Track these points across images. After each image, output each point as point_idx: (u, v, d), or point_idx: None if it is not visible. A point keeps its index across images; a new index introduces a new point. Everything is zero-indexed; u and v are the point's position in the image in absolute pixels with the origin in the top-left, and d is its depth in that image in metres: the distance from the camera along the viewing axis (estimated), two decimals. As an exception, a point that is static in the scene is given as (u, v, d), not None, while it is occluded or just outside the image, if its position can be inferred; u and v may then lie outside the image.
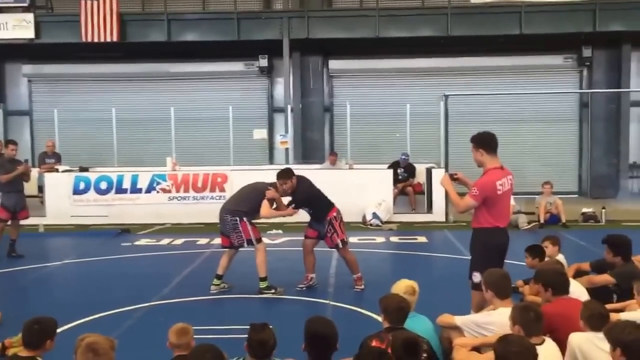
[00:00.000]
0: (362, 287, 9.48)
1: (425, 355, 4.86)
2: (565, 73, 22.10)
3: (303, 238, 9.71)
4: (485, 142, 6.76)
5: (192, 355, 3.84)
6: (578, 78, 22.11)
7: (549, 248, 8.11)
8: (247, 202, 9.41)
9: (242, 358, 4.84)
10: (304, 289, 9.53)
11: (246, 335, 4.67)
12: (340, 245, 9.47)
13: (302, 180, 9.52)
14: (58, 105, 20.81)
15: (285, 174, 9.46)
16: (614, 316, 5.48)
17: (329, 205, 9.52)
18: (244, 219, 9.28)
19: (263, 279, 9.36)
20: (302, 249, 9.69)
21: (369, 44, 20.92)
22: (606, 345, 4.77)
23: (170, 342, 4.94)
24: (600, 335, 4.90)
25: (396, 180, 17.11)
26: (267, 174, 16.61)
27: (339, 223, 9.46)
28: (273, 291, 9.30)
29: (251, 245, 9.39)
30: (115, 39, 20.13)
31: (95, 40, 20.11)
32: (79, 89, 22.61)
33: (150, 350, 6.62)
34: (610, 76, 21.34)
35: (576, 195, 21.29)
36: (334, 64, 22.05)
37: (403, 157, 17.70)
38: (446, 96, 16.93)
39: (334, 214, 9.43)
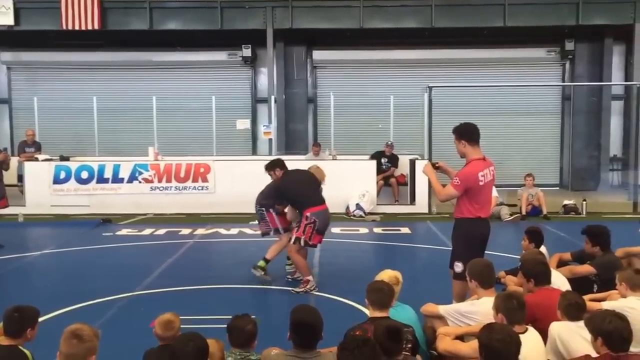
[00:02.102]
0: (302, 290, 8.94)
1: (410, 345, 4.86)
2: (548, 66, 22.19)
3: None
4: (467, 134, 6.79)
5: (175, 344, 3.81)
6: (560, 71, 22.22)
7: (525, 241, 8.12)
8: (269, 199, 9.52)
9: (227, 353, 4.83)
10: (290, 279, 9.48)
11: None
12: (292, 241, 9.10)
13: (288, 174, 9.46)
14: (38, 94, 20.63)
15: (268, 166, 9.52)
16: (595, 305, 5.52)
17: (310, 203, 9.12)
18: (270, 210, 9.46)
19: (265, 260, 9.39)
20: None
21: (353, 35, 20.90)
22: (586, 334, 4.81)
23: (155, 332, 4.92)
24: (580, 324, 4.94)
25: (379, 170, 17.14)
26: (250, 165, 16.81)
27: (308, 224, 9.02)
28: (263, 273, 9.28)
29: (278, 234, 9.56)
30: (96, 26, 19.92)
31: (76, 27, 19.89)
32: (60, 77, 22.40)
33: (133, 339, 6.57)
34: (592, 69, 21.48)
35: (557, 188, 21.46)
36: (318, 55, 22.00)
37: (389, 142, 17.77)
38: (430, 88, 16.93)
39: (308, 213, 9.02)
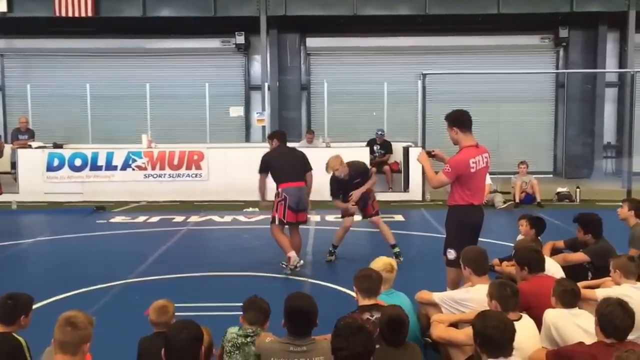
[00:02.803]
0: (286, 266, 9.09)
1: None
2: (541, 53, 22.19)
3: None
4: (459, 121, 6.79)
5: (169, 332, 3.80)
6: (554, 58, 22.22)
7: (525, 227, 8.15)
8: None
9: (239, 327, 4.91)
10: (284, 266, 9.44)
11: (224, 313, 4.69)
12: (271, 221, 9.29)
13: (277, 146, 9.60)
14: (31, 81, 20.56)
15: (269, 135, 10.01)
16: (589, 293, 5.53)
17: (282, 179, 9.26)
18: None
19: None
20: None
21: (347, 22, 20.81)
22: (581, 321, 4.84)
23: (150, 318, 4.94)
24: (575, 311, 4.97)
25: (373, 158, 17.13)
26: (244, 152, 16.80)
27: (280, 201, 9.20)
28: (333, 258, 10.00)
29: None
30: (89, 13, 19.80)
31: (69, 14, 19.78)
32: (53, 64, 22.30)
33: (127, 326, 6.57)
34: (586, 57, 21.47)
35: (551, 175, 21.49)
36: (312, 42, 21.94)
37: (379, 132, 17.76)
38: (424, 75, 16.91)
39: (280, 189, 9.21)
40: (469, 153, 6.70)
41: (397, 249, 9.92)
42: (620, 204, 8.26)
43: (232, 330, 4.90)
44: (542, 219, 8.15)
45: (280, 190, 9.21)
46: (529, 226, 7.90)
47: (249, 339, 4.81)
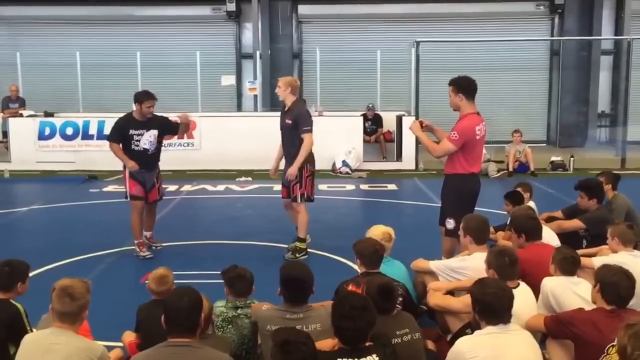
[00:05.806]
0: (146, 255, 8.55)
1: (401, 299, 4.86)
2: (536, 20, 22.00)
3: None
4: (466, 87, 6.75)
5: (170, 299, 3.78)
6: (549, 25, 22.04)
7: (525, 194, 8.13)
8: None
9: (226, 300, 4.91)
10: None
11: (219, 280, 4.72)
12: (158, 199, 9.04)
13: None
14: (21, 49, 20.28)
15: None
16: (586, 261, 5.53)
17: None
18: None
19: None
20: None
21: (340, -11, 20.64)
22: (579, 289, 4.84)
23: (149, 287, 4.94)
24: (574, 279, 4.97)
25: (364, 133, 17.07)
26: (236, 121, 16.71)
27: None
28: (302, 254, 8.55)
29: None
30: (78, -21, 19.57)
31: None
32: (42, 32, 22.03)
33: (123, 293, 6.62)
34: (581, 24, 21.28)
35: (545, 144, 21.46)
36: (303, 9, 21.72)
37: (370, 106, 17.67)
38: (417, 43, 16.77)
39: None
40: (473, 120, 6.67)
41: (299, 244, 8.40)
42: (615, 172, 8.20)
43: (219, 305, 4.89)
44: (517, 192, 8.10)
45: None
46: (510, 204, 7.84)
47: (239, 311, 4.81)
